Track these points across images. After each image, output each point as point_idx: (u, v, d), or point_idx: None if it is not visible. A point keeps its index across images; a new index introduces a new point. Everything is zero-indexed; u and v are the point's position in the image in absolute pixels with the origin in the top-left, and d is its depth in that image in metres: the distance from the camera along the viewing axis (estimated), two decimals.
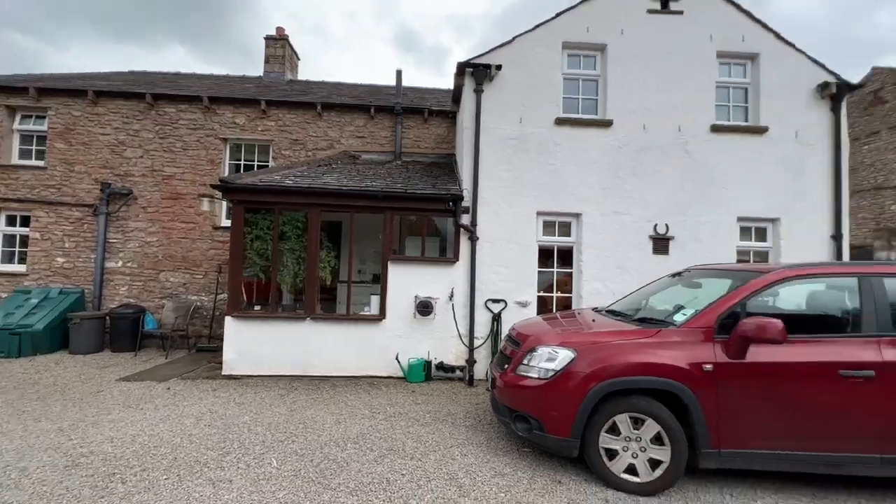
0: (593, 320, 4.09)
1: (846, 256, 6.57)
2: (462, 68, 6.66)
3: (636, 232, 6.61)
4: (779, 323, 2.99)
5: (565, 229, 6.78)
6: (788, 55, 6.88)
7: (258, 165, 9.10)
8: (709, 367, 3.15)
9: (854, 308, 3.32)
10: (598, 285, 6.51)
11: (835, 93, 6.69)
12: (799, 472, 3.19)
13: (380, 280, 6.65)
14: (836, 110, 6.75)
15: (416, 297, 6.35)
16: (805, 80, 6.84)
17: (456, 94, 7.72)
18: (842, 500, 3.19)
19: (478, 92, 6.56)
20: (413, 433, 4.20)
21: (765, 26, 6.87)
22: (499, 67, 6.55)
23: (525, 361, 3.64)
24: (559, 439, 3.33)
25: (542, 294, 6.73)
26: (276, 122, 8.95)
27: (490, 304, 6.46)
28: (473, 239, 6.42)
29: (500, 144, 6.63)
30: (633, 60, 6.76)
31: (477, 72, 6.53)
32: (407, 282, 6.41)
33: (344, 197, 6.31)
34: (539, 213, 6.66)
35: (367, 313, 6.50)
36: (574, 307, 6.58)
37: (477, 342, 6.39)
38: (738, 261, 6.62)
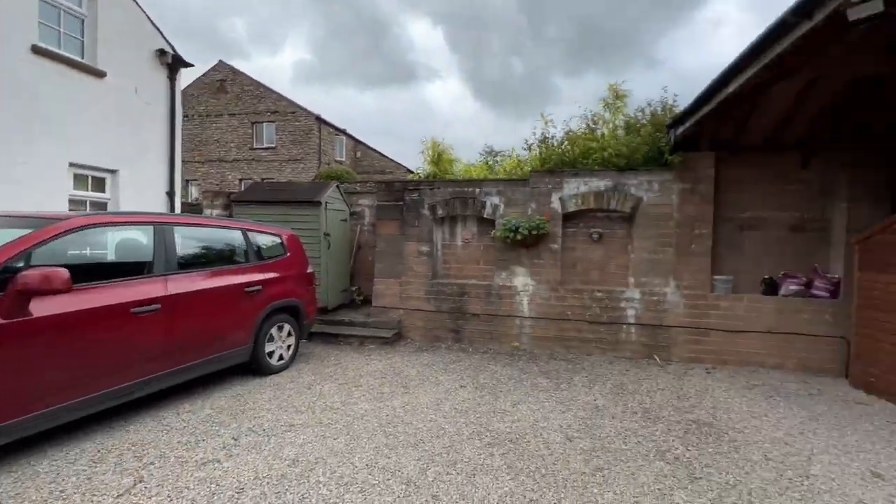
0: None
1: (178, 210, 7.66)
2: None
3: None
4: (64, 272, 2.89)
5: None
6: (132, 9, 6.88)
7: None
8: None
9: (150, 252, 3.84)
10: None
11: (171, 63, 7.45)
12: (96, 412, 3.33)
13: None
14: (172, 80, 7.55)
15: None
16: (146, 41, 7.13)
17: None
18: (132, 425, 3.66)
19: None
20: None
21: None
22: None
23: None
24: None
25: None
26: None
27: None
28: None
29: None
30: None
31: None
32: None
33: None
34: None
35: None
36: None
37: None
38: (71, 209, 6.07)
